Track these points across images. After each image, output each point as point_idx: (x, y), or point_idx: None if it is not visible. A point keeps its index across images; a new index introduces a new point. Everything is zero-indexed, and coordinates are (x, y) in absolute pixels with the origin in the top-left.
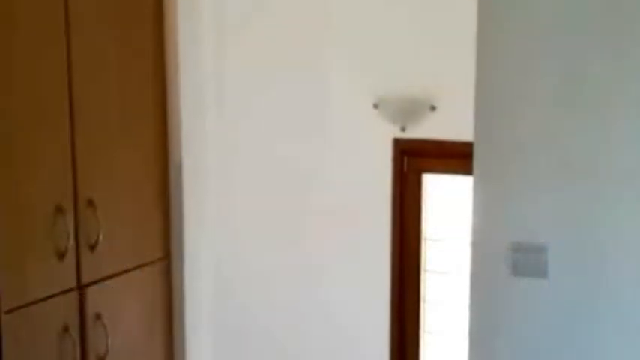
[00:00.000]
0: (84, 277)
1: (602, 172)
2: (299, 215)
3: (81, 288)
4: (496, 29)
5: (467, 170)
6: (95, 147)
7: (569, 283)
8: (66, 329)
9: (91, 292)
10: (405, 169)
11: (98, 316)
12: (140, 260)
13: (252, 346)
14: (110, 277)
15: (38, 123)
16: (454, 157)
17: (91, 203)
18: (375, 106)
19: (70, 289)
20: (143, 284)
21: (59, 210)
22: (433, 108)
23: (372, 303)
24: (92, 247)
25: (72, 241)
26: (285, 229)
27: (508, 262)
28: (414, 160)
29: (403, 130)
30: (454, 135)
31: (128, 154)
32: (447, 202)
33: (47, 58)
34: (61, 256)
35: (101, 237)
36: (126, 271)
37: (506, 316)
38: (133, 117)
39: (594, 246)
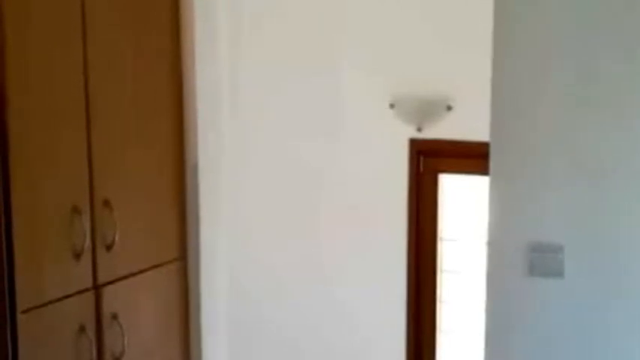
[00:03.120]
0: (100, 277)
1: (618, 172)
2: (315, 215)
3: (97, 288)
4: (512, 29)
5: (483, 170)
6: (111, 147)
7: (585, 283)
8: (82, 329)
9: (107, 292)
10: (421, 169)
11: (114, 316)
12: (156, 260)
13: (267, 345)
14: (126, 277)
15: (54, 123)
16: (470, 157)
17: (107, 204)
18: (392, 106)
19: (87, 289)
20: (159, 284)
21: (75, 210)
22: (449, 108)
23: (388, 303)
24: (108, 248)
25: (88, 242)
26: (301, 229)
27: (524, 262)
28: (430, 160)
29: (419, 130)
30: (470, 135)
31: (144, 154)
32: (463, 202)
33: (63, 58)
34: (77, 256)
35: (117, 237)
36: (142, 272)
37: (523, 316)
38: (149, 117)
39: (610, 246)
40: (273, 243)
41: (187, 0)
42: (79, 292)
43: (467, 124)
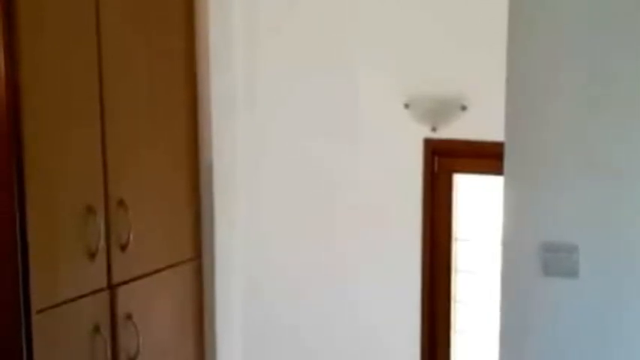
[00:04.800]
0: (115, 277)
1: (633, 171)
2: (329, 215)
3: (112, 288)
4: (527, 29)
5: (497, 170)
6: (126, 147)
7: (599, 283)
8: (97, 329)
9: (122, 292)
10: (436, 169)
11: (129, 316)
12: (171, 260)
13: (282, 346)
14: (141, 277)
15: (69, 123)
16: (485, 157)
17: (121, 203)
18: (406, 106)
19: (101, 289)
20: (174, 284)
21: (90, 210)
22: (464, 108)
23: (403, 303)
24: (123, 248)
25: (103, 242)
26: (316, 229)
27: (539, 262)
28: (445, 160)
29: (434, 130)
30: (485, 135)
31: (159, 154)
32: (478, 202)
33: (78, 58)
34: (92, 256)
35: (132, 237)
36: (156, 272)
37: (537, 316)
38: (164, 117)
39: (625, 246)
40: (288, 243)
41: (202, 0)
42: (94, 292)
43: (481, 124)
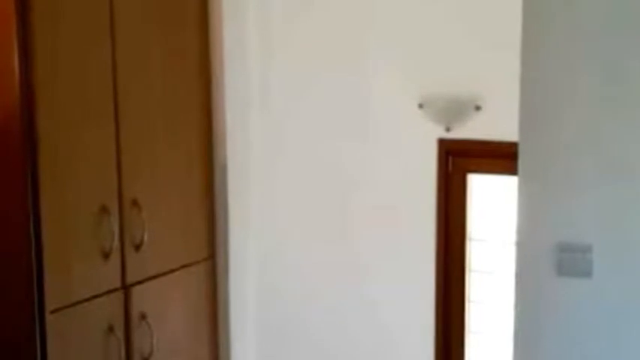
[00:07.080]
0: (129, 277)
1: None
2: (343, 215)
3: (126, 288)
4: (541, 29)
5: (512, 170)
6: (140, 147)
7: (614, 283)
8: (111, 329)
9: (136, 292)
10: (450, 169)
11: (143, 316)
12: (185, 260)
13: (296, 345)
14: (155, 277)
15: (83, 123)
16: (499, 157)
17: (135, 203)
18: (420, 106)
19: (115, 289)
20: (188, 284)
21: (104, 210)
22: (478, 108)
23: (417, 303)
24: (137, 247)
25: (117, 242)
26: (330, 229)
27: (553, 262)
28: (459, 160)
29: (448, 130)
30: (499, 135)
31: (173, 154)
32: (492, 202)
33: (92, 58)
34: (106, 256)
35: (146, 237)
36: (171, 271)
37: (551, 316)
38: (178, 117)
39: (639, 246)
40: (302, 243)
41: (216, 0)
42: (108, 292)
43: (496, 124)
